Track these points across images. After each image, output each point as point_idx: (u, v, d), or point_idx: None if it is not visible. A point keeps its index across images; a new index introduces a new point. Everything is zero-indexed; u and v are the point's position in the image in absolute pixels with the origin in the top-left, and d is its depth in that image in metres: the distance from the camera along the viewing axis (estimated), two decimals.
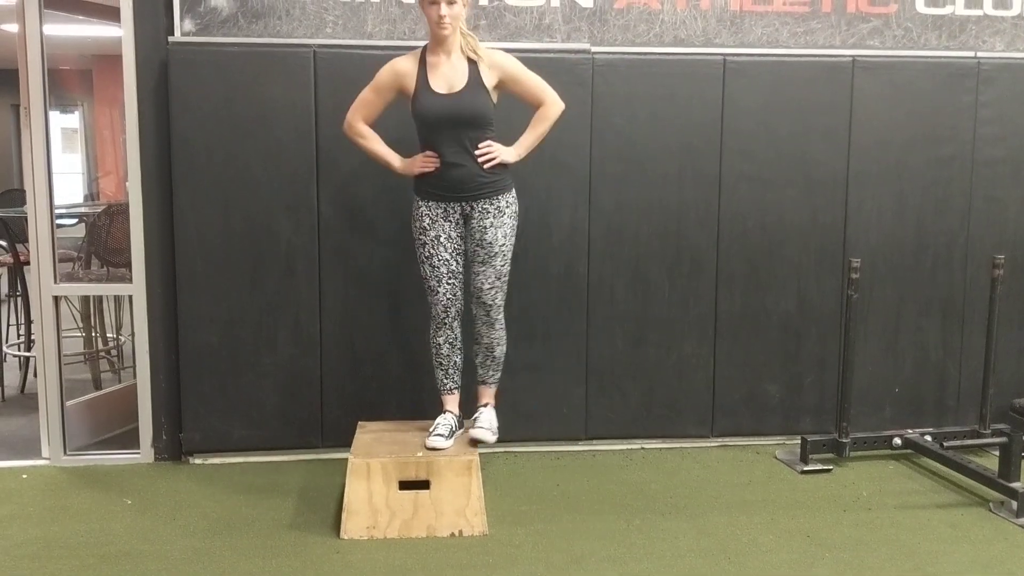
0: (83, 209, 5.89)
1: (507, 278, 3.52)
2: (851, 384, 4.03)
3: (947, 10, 4.23)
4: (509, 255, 3.49)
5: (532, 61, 3.79)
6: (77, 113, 10.10)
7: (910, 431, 4.16)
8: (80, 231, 5.25)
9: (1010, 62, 4.24)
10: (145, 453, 4.07)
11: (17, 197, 6.85)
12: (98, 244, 4.94)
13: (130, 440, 4.16)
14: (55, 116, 4.02)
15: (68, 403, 4.11)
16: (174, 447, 4.07)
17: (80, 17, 4.18)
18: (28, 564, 3.08)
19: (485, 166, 3.37)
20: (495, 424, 3.60)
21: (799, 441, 4.08)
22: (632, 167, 4.07)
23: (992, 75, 4.22)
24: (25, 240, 4.48)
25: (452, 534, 3.30)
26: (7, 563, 3.08)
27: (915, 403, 4.38)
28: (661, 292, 4.16)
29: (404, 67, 3.39)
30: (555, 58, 3.96)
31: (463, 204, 3.42)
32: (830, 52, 4.16)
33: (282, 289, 3.96)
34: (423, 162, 3.40)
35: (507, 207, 3.45)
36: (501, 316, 3.56)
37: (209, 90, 3.83)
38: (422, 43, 3.87)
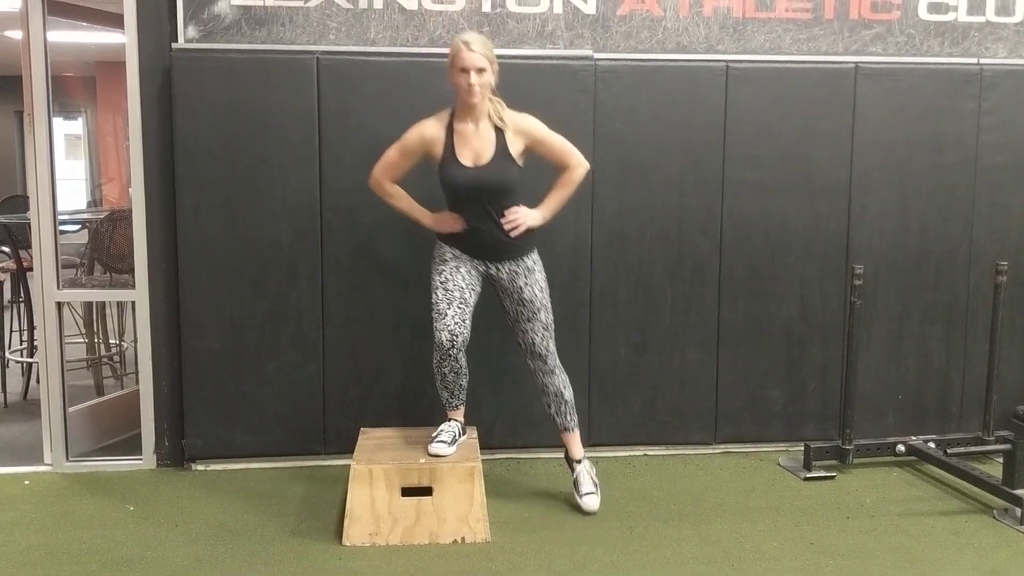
0: (86, 215, 5.90)
1: (553, 325, 3.56)
2: (854, 390, 4.02)
3: (950, 17, 4.23)
4: (549, 304, 3.54)
5: (534, 68, 3.81)
6: (80, 119, 10.14)
7: (913, 438, 4.16)
8: (83, 237, 5.25)
9: (1013, 69, 4.24)
10: (147, 459, 4.06)
11: (20, 203, 6.86)
12: (101, 250, 4.94)
13: (132, 446, 4.16)
14: (58, 122, 4.04)
15: (70, 409, 4.11)
16: (176, 453, 4.06)
17: (84, 24, 4.19)
18: (30, 571, 3.07)
19: (512, 234, 3.39)
20: (595, 481, 3.61)
21: (802, 448, 4.07)
22: (635, 173, 4.07)
23: (995, 82, 4.22)
24: (28, 246, 4.48)
25: (455, 541, 3.30)
26: (9, 570, 3.08)
27: (918, 410, 4.37)
28: (663, 298, 4.16)
29: (431, 133, 3.38)
30: (558, 65, 3.96)
31: (488, 264, 3.47)
32: (833, 59, 4.16)
33: (285, 295, 3.96)
34: (452, 221, 3.43)
35: (534, 264, 3.50)
36: (558, 361, 3.60)
37: (212, 97, 3.83)
38: (424, 49, 3.89)
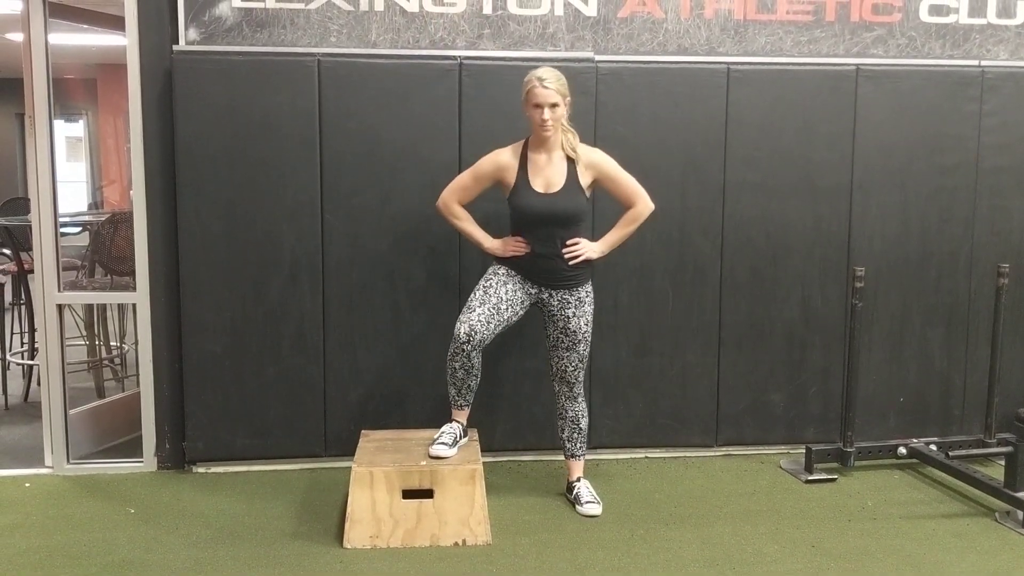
0: (87, 217, 5.91)
1: (587, 358, 3.63)
2: (856, 393, 4.02)
3: (951, 19, 4.23)
4: (590, 338, 3.59)
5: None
6: (81, 122, 10.15)
7: (915, 440, 4.15)
8: (84, 239, 5.25)
9: (1014, 71, 4.24)
10: (148, 462, 4.06)
11: (21, 206, 6.86)
12: (102, 252, 4.94)
13: (133, 449, 4.15)
14: (59, 125, 4.03)
15: (71, 411, 4.11)
16: (177, 456, 4.06)
17: (85, 26, 4.19)
18: (31, 573, 3.07)
19: (571, 263, 3.45)
20: (595, 494, 3.66)
21: (804, 450, 4.07)
22: (636, 175, 4.05)
23: (996, 84, 4.21)
24: (29, 248, 4.48)
25: (456, 543, 3.29)
26: (10, 572, 3.08)
27: (920, 412, 4.37)
28: (665, 301, 4.16)
29: (506, 161, 3.47)
30: (559, 67, 3.94)
31: (542, 288, 3.51)
32: (834, 61, 4.16)
33: (286, 298, 3.96)
34: (514, 247, 3.49)
35: (586, 296, 3.55)
36: (583, 391, 3.66)
37: (213, 99, 3.83)
38: (425, 52, 3.90)
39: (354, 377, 4.04)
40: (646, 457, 4.26)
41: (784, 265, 4.21)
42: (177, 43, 3.85)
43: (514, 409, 4.10)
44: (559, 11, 4.01)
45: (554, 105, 3.35)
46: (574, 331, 3.53)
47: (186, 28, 3.85)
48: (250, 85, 3.84)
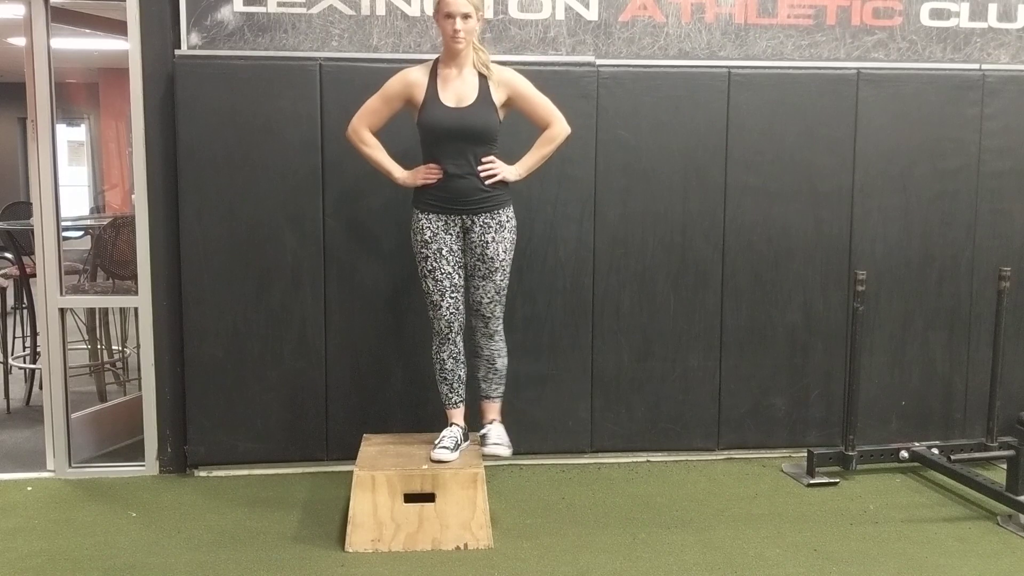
0: (89, 221, 5.91)
1: (506, 291, 3.54)
2: (857, 397, 4.01)
3: (952, 23, 4.23)
4: (508, 269, 3.51)
5: (537, 74, 3.80)
6: (84, 126, 10.15)
7: (917, 444, 4.14)
8: (86, 243, 5.26)
9: (1015, 74, 4.24)
10: (150, 465, 4.06)
11: (23, 210, 6.87)
12: (104, 256, 4.95)
13: (135, 452, 4.16)
14: (62, 129, 4.04)
15: (73, 415, 4.11)
16: (179, 460, 4.06)
17: (87, 31, 4.20)
18: None
19: (487, 182, 3.39)
20: (506, 438, 3.57)
21: (805, 454, 4.07)
22: (637, 179, 4.08)
23: (997, 87, 4.22)
24: (31, 252, 4.49)
25: (457, 547, 3.29)
26: None
27: (922, 416, 4.37)
28: (666, 305, 4.16)
29: (415, 77, 3.41)
30: (560, 71, 3.97)
31: (463, 217, 3.43)
32: (835, 65, 4.16)
33: (287, 302, 3.97)
34: (426, 173, 3.41)
35: (507, 221, 3.47)
36: (501, 328, 3.57)
37: (215, 103, 3.84)
38: (427, 56, 3.89)
39: (356, 381, 4.04)
40: (648, 461, 4.25)
41: (786, 269, 4.21)
42: (179, 48, 3.85)
43: (515, 413, 4.09)
44: (560, 15, 4.02)
45: (466, 16, 3.25)
46: (492, 257, 3.43)
47: (188, 33, 3.86)
48: (252, 89, 3.85)
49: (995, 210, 4.29)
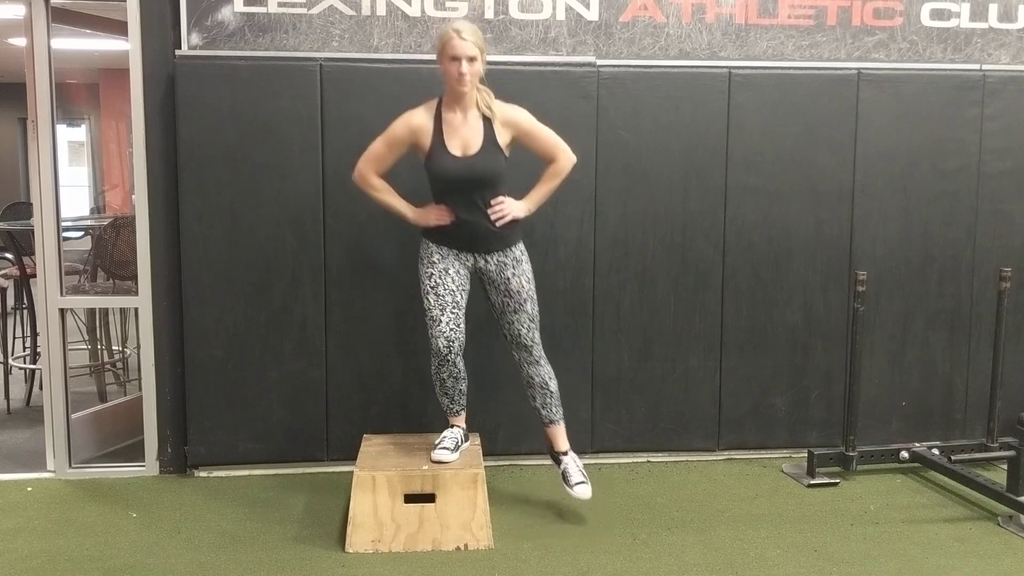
0: (89, 222, 5.91)
1: (538, 316, 3.54)
2: (858, 397, 4.01)
3: (952, 23, 4.23)
4: (535, 295, 3.51)
5: (537, 75, 3.81)
6: (84, 126, 10.15)
7: (917, 444, 4.14)
8: (86, 244, 5.26)
9: (1016, 75, 4.24)
10: (150, 466, 4.06)
11: (24, 210, 6.88)
12: (104, 257, 4.95)
13: (135, 453, 4.16)
14: (62, 129, 4.04)
15: (73, 416, 4.11)
16: (179, 460, 4.06)
17: (88, 31, 4.20)
18: None
19: (498, 224, 3.38)
20: (584, 472, 3.56)
21: (806, 454, 4.07)
22: (637, 180, 4.07)
23: (997, 88, 4.22)
24: (31, 253, 4.49)
25: (457, 548, 3.29)
26: None
27: (922, 416, 4.37)
28: (667, 305, 4.16)
29: (419, 122, 3.37)
30: (560, 71, 3.97)
31: (475, 256, 3.44)
32: (835, 65, 4.16)
33: (288, 302, 3.96)
34: (438, 215, 3.40)
35: (521, 255, 3.48)
36: (543, 352, 3.58)
37: (216, 103, 3.84)
38: (427, 56, 3.90)
39: (356, 381, 4.04)
40: (648, 461, 4.25)
41: (786, 269, 4.21)
42: (179, 48, 3.85)
43: (516, 414, 4.10)
44: (561, 16, 4.01)
45: (472, 58, 3.23)
46: (516, 291, 3.44)
47: (188, 33, 3.86)
48: (252, 90, 3.85)
49: (995, 210, 4.29)
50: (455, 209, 3.37)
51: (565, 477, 3.54)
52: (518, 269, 3.45)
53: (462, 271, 3.45)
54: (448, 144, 3.33)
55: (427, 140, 3.35)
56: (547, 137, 3.44)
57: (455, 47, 3.23)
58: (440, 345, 3.37)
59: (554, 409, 3.59)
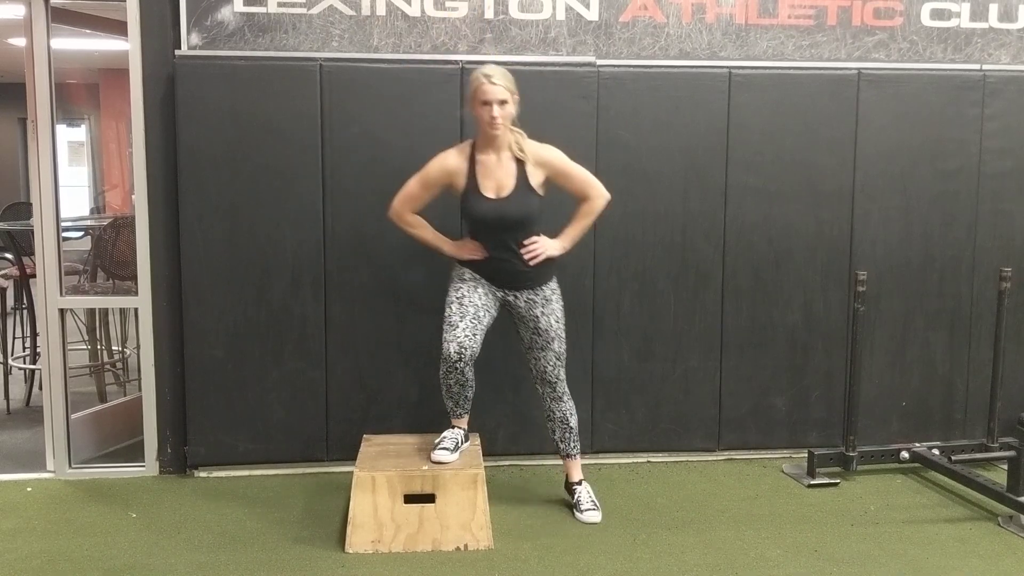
0: (89, 222, 5.91)
1: (565, 354, 3.58)
2: (858, 397, 4.01)
3: (952, 23, 4.23)
4: (564, 334, 3.55)
5: (537, 75, 3.81)
6: (84, 126, 10.14)
7: (917, 445, 4.14)
8: (86, 244, 5.26)
9: (1016, 75, 4.24)
10: (150, 466, 4.06)
11: (23, 210, 6.87)
12: (104, 257, 4.94)
13: (135, 453, 4.15)
14: (62, 129, 4.04)
15: (73, 416, 4.11)
16: (179, 460, 4.06)
17: (87, 31, 4.20)
18: None
19: (531, 263, 3.42)
20: (595, 500, 3.62)
21: (806, 455, 4.06)
22: (638, 180, 4.07)
23: (998, 88, 4.21)
24: (31, 253, 4.49)
25: (457, 548, 3.29)
26: None
27: (922, 416, 4.36)
28: (667, 305, 4.16)
29: (453, 164, 3.42)
30: (560, 71, 3.97)
31: (507, 291, 3.49)
32: (835, 65, 4.16)
33: (288, 302, 3.96)
34: (472, 249, 3.46)
35: (552, 294, 3.52)
36: (567, 388, 3.62)
37: (215, 104, 3.84)
38: (427, 57, 3.91)
39: (356, 382, 4.04)
40: (648, 461, 4.25)
41: (786, 269, 4.20)
42: (179, 48, 3.85)
43: (515, 414, 4.10)
44: (561, 15, 4.01)
45: (503, 102, 3.29)
46: (545, 330, 3.49)
47: (188, 33, 3.86)
48: (252, 90, 3.85)
49: (996, 211, 4.29)
50: (488, 247, 3.43)
51: (577, 504, 3.60)
52: (547, 308, 3.49)
53: (491, 296, 3.49)
54: (481, 186, 3.39)
55: (461, 181, 3.41)
56: (580, 176, 3.49)
57: (486, 92, 3.29)
58: (452, 350, 3.35)
59: (572, 444, 3.67)
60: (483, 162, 3.40)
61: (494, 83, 3.28)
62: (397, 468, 3.34)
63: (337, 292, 3.98)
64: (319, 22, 3.92)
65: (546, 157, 3.43)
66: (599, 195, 3.50)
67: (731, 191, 4.13)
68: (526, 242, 3.42)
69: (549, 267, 3.51)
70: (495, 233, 3.41)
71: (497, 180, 3.39)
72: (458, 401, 3.55)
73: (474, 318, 3.39)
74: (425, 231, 3.54)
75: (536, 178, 3.41)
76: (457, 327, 3.37)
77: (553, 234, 3.50)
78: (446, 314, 3.43)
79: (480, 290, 3.45)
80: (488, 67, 3.36)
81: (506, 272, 3.45)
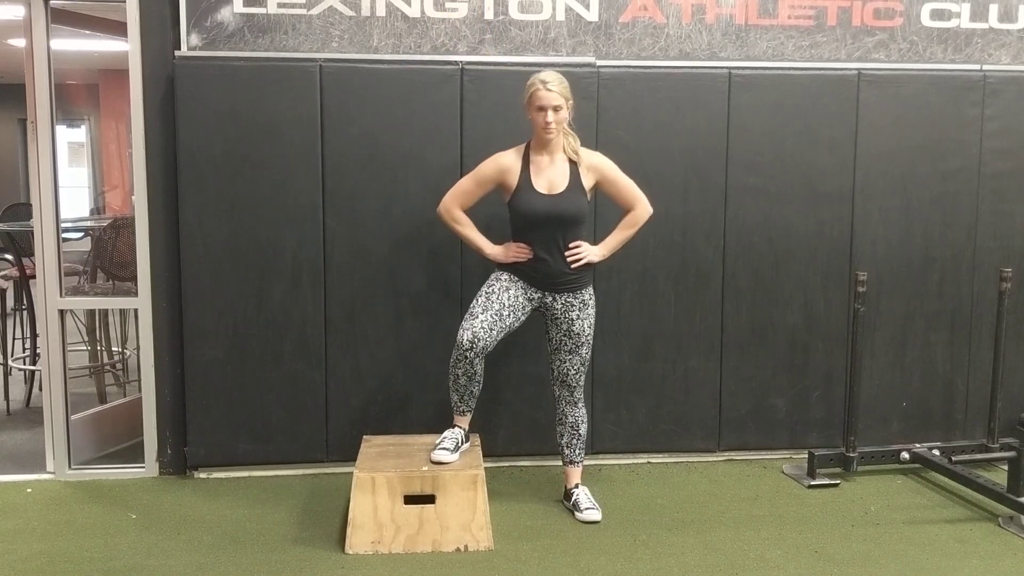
0: (89, 223, 5.91)
1: (589, 361, 3.64)
2: (858, 398, 4.01)
3: (952, 23, 4.23)
4: (592, 341, 3.60)
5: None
6: (84, 127, 10.14)
7: (918, 445, 4.14)
8: (86, 245, 5.26)
9: (1016, 75, 4.24)
10: (150, 467, 4.06)
11: (23, 211, 6.87)
12: (104, 258, 4.94)
13: (135, 454, 4.15)
14: (62, 130, 4.04)
15: (73, 417, 4.11)
16: (179, 461, 4.06)
17: (87, 32, 4.20)
18: None
19: (573, 266, 3.47)
20: (594, 500, 3.63)
21: (806, 455, 4.06)
22: (638, 180, 4.04)
23: (998, 88, 4.21)
24: (31, 254, 4.49)
25: (457, 549, 3.29)
26: None
27: (923, 417, 4.36)
28: (667, 306, 4.16)
29: (508, 163, 3.48)
30: (560, 72, 3.94)
31: (545, 293, 3.51)
32: (835, 65, 4.16)
33: (288, 303, 3.96)
34: (516, 252, 3.49)
35: (590, 299, 3.57)
36: (583, 396, 3.66)
37: (215, 104, 3.84)
38: (427, 57, 3.91)
39: (356, 382, 4.04)
40: (648, 462, 4.25)
41: (786, 270, 4.20)
42: (179, 49, 3.85)
43: (516, 414, 4.10)
44: (560, 16, 4.01)
45: (557, 108, 3.36)
46: (578, 334, 3.54)
47: (188, 34, 3.86)
48: (252, 90, 3.84)
49: (996, 211, 4.29)
50: (534, 247, 3.46)
51: (576, 505, 3.61)
52: (583, 312, 3.53)
53: (523, 300, 3.50)
54: (535, 183, 3.45)
55: (514, 179, 3.46)
56: (628, 186, 3.57)
57: (541, 98, 3.37)
58: (465, 338, 3.38)
59: (578, 451, 3.70)
60: (537, 162, 3.48)
61: (550, 89, 3.36)
62: (397, 469, 3.34)
63: (337, 293, 3.98)
64: (319, 23, 3.92)
65: (597, 163, 3.53)
66: (644, 208, 3.58)
67: (731, 191, 4.13)
68: (571, 244, 3.47)
69: (588, 273, 3.56)
70: (546, 230, 3.45)
71: (550, 179, 3.46)
72: (463, 396, 3.54)
73: (496, 314, 3.42)
74: (470, 230, 3.58)
75: (587, 181, 3.49)
76: (477, 317, 3.41)
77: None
78: (471, 305, 3.47)
79: (512, 292, 3.48)
80: (545, 73, 3.42)
81: (548, 273, 3.48)
